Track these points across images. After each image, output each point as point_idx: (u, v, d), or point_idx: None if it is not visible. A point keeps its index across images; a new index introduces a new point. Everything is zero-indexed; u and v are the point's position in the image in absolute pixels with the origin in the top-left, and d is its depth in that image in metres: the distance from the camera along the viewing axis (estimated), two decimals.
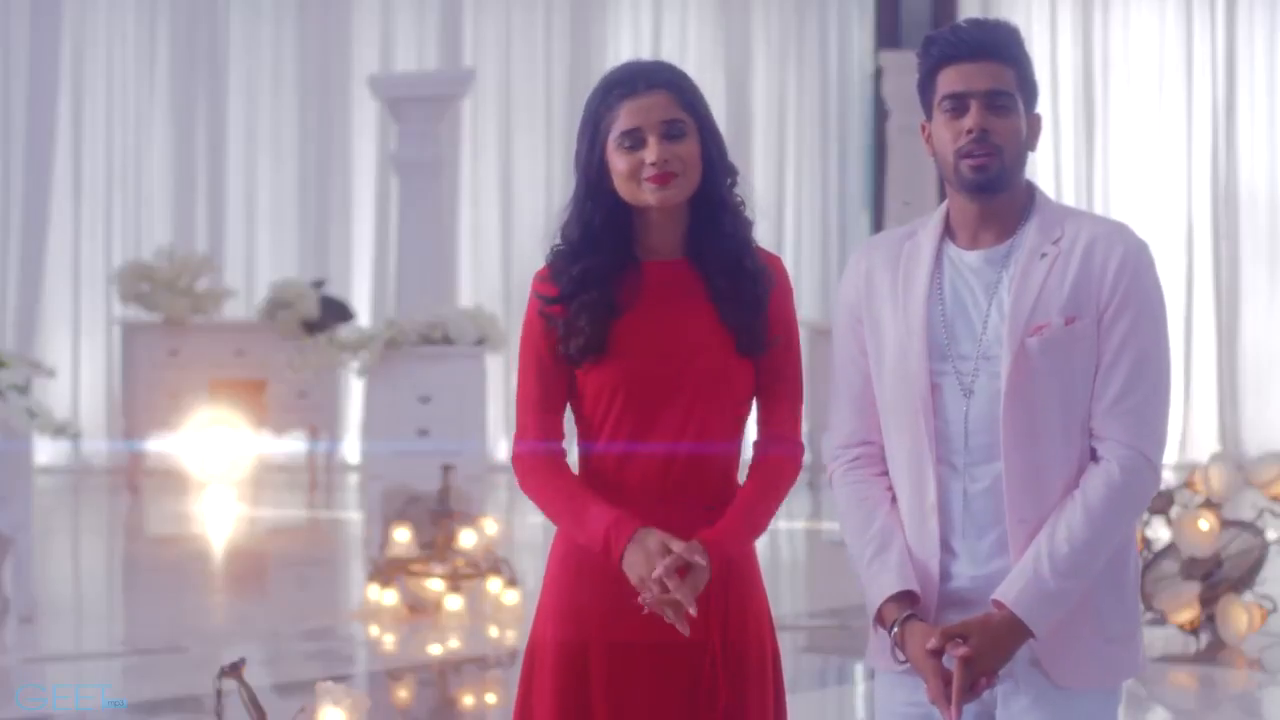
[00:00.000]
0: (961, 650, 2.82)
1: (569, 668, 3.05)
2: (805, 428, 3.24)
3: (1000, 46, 2.94)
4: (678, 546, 2.94)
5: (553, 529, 3.17)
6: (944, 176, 2.98)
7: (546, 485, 3.08)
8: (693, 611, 2.92)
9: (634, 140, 3.02)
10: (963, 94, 2.92)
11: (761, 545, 3.19)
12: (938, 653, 2.84)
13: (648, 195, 3.02)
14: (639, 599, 2.94)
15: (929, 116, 2.98)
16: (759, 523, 3.07)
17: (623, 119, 3.03)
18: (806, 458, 3.23)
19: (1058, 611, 2.85)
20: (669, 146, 3.01)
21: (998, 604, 2.85)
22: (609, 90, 3.06)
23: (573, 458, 3.15)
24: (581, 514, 3.02)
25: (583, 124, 3.08)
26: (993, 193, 2.93)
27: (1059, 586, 2.84)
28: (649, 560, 2.93)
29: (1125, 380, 2.88)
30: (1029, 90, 2.97)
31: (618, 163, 3.03)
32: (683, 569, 2.94)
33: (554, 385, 3.10)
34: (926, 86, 2.98)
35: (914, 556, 2.94)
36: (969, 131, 2.90)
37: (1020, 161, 2.96)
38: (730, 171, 3.10)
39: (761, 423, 3.13)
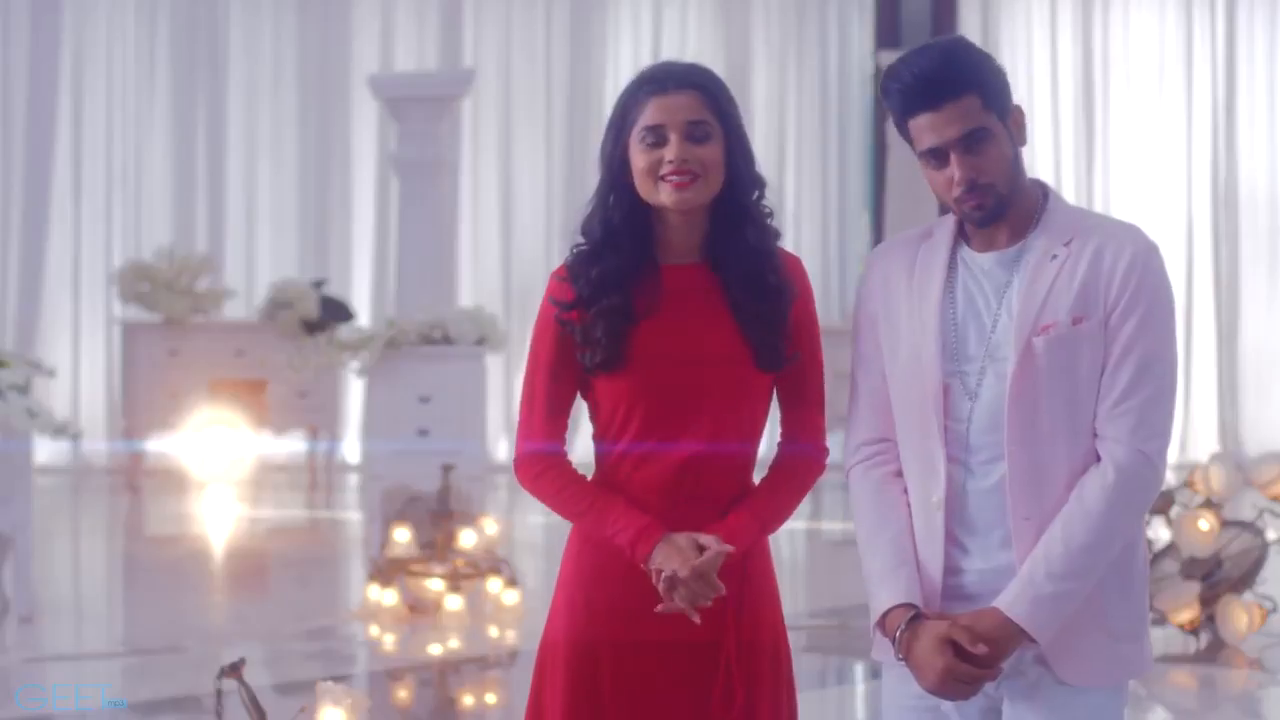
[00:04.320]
0: (982, 649, 2.83)
1: (581, 666, 3.05)
2: None
3: (954, 80, 2.89)
4: (707, 541, 2.94)
5: (555, 529, 3.16)
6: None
7: (563, 488, 3.06)
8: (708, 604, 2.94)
9: (656, 137, 3.00)
10: (938, 147, 2.91)
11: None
12: (945, 644, 2.85)
13: (664, 195, 3.00)
14: (661, 599, 2.94)
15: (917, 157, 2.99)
16: (770, 520, 3.06)
17: (647, 114, 3.01)
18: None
19: (1058, 616, 2.85)
20: (690, 148, 2.99)
21: (997, 610, 2.86)
22: (640, 86, 3.04)
23: (587, 456, 3.14)
24: (605, 517, 3.01)
25: (611, 117, 3.07)
26: (998, 220, 2.95)
27: (1056, 590, 2.84)
28: (681, 554, 2.93)
29: (1130, 380, 2.88)
30: (1000, 101, 2.93)
31: (638, 159, 3.01)
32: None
33: (563, 388, 3.09)
34: (903, 130, 2.97)
35: (919, 550, 2.96)
36: (957, 184, 2.91)
37: (1015, 178, 2.95)
38: (758, 182, 3.07)
39: (784, 426, 3.12)
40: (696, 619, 2.94)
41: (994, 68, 2.94)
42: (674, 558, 2.93)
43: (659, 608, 2.95)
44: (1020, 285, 2.93)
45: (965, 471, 2.93)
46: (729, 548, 2.94)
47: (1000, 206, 2.93)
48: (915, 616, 2.90)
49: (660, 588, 2.94)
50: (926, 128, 2.91)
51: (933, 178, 2.95)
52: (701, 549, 2.94)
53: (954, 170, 2.90)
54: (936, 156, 2.92)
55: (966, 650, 2.84)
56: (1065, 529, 2.86)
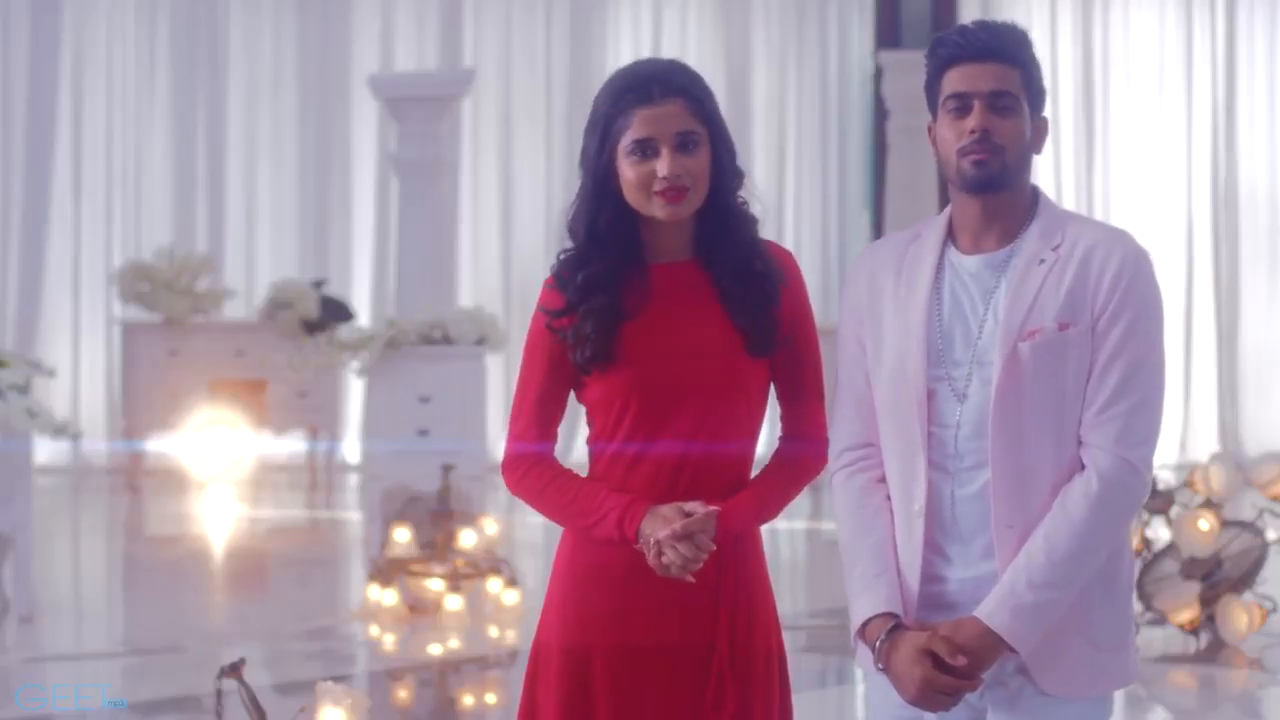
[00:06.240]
0: (961, 661, 2.82)
1: (574, 669, 3.04)
2: None
3: (1006, 49, 2.93)
4: (693, 507, 2.93)
5: (555, 529, 3.15)
6: (946, 176, 2.98)
7: (547, 484, 3.06)
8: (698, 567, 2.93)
9: (646, 150, 2.98)
10: (967, 94, 2.91)
11: (763, 544, 3.18)
12: (924, 655, 2.84)
13: (657, 209, 2.99)
14: (650, 560, 2.93)
15: (934, 116, 2.98)
16: (768, 507, 3.05)
17: (636, 127, 2.98)
18: None
19: (1038, 626, 2.83)
20: (681, 160, 2.97)
21: (977, 620, 2.84)
22: (623, 94, 3.00)
23: (582, 457, 3.14)
24: (591, 502, 3.00)
25: (592, 122, 3.03)
26: (993, 190, 2.92)
27: (1037, 599, 2.81)
28: (668, 522, 2.92)
29: (1116, 386, 2.85)
30: (1034, 93, 2.96)
31: (627, 171, 2.99)
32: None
33: (554, 394, 3.08)
34: (933, 86, 2.98)
35: (899, 557, 2.94)
36: (971, 131, 2.90)
37: (1023, 163, 2.95)
38: (738, 175, 3.07)
39: (784, 420, 3.11)
40: (690, 580, 2.93)
41: (1040, 71, 2.99)
42: (661, 526, 2.93)
43: (651, 559, 2.93)
44: (1007, 289, 2.90)
45: (948, 478, 2.91)
46: (715, 509, 2.93)
47: (1002, 174, 2.91)
48: (895, 627, 2.89)
49: (649, 555, 2.93)
50: (962, 76, 2.92)
51: (944, 133, 2.94)
52: (688, 516, 2.94)
53: (973, 119, 2.90)
54: (960, 102, 2.92)
55: (946, 661, 2.83)
56: (1048, 538, 2.83)
